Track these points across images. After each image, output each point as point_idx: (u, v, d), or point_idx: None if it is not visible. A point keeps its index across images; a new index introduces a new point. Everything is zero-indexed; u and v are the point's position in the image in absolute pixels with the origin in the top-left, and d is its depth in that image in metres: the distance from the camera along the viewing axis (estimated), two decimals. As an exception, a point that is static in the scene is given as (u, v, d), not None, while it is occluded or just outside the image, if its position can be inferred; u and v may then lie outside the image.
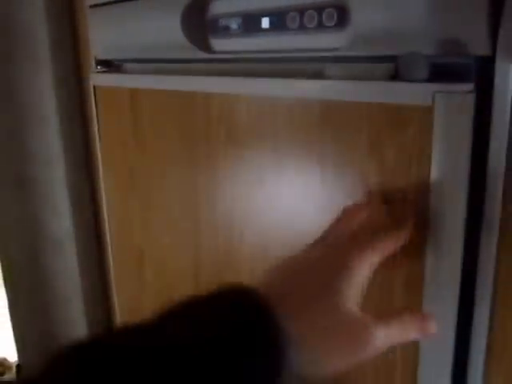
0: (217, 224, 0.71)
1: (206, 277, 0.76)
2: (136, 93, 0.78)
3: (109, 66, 0.84)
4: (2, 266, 1.03)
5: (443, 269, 0.39)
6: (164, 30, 0.67)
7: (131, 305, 0.94)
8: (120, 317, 0.97)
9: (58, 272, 1.01)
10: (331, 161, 0.48)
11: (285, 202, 0.58)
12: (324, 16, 0.44)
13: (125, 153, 0.82)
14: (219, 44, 0.64)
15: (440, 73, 0.36)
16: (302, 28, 0.48)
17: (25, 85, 0.93)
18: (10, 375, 1.14)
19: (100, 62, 0.84)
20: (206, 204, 0.72)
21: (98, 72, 0.83)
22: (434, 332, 0.35)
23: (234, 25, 0.59)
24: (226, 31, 0.61)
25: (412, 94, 0.37)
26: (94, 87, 0.84)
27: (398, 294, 0.43)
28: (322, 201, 0.51)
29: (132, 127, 0.80)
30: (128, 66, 0.82)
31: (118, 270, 0.94)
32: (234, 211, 0.67)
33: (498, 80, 0.35)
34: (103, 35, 0.82)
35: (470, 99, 0.34)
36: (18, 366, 1.09)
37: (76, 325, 1.02)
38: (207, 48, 0.65)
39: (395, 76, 0.38)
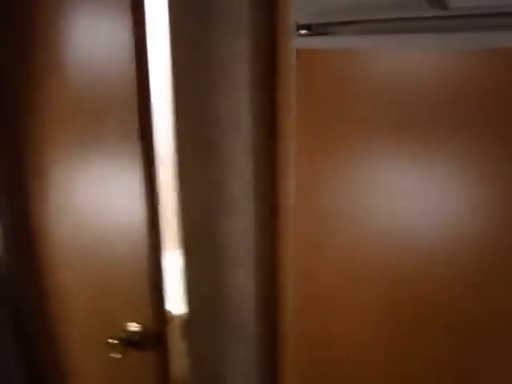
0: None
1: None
2: (345, 54, 0.78)
3: (308, 29, 0.85)
4: (182, 227, 1.09)
5: None
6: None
7: (303, 273, 0.95)
8: (291, 284, 0.98)
9: (232, 234, 1.04)
10: None
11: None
12: None
13: (324, 116, 0.82)
14: (456, 1, 0.62)
15: None
16: None
17: (220, 49, 0.96)
18: (172, 326, 1.21)
19: (300, 27, 0.85)
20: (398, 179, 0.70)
21: (302, 35, 0.84)
22: None
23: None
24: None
25: None
26: (297, 51, 0.85)
27: None
28: None
29: (338, 90, 0.80)
30: (330, 28, 0.82)
31: (294, 238, 0.95)
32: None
33: None
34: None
35: None
36: (185, 319, 1.15)
37: (243, 288, 1.05)
38: (442, 5, 0.63)
39: None
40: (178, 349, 1.20)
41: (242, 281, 1.06)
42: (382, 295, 0.81)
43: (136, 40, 0.98)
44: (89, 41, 1.06)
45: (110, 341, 1.11)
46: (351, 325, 0.88)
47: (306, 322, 0.95)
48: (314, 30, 0.84)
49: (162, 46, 1.56)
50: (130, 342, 1.12)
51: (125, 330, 1.12)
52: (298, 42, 0.85)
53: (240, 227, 1.03)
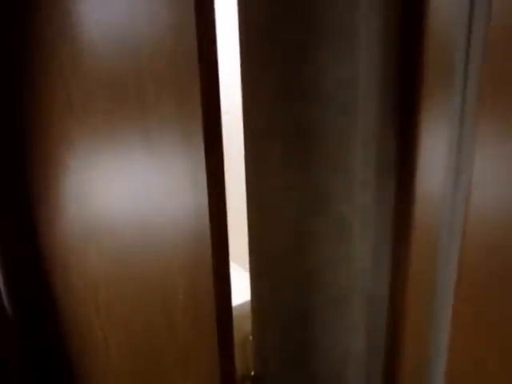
0: None
1: None
2: None
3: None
4: (254, 247, 0.79)
5: None
6: None
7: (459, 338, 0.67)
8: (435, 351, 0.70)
9: (336, 263, 0.75)
10: None
11: None
12: None
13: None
14: None
15: None
16: None
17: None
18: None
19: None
20: None
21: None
22: None
23: None
24: None
25: None
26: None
27: None
28: None
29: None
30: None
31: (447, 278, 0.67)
32: None
33: None
34: None
35: None
36: (253, 376, 0.86)
37: (350, 335, 0.76)
38: None
39: None
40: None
41: (348, 325, 0.77)
42: None
43: None
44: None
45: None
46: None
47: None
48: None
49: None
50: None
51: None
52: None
53: (348, 254, 0.74)
